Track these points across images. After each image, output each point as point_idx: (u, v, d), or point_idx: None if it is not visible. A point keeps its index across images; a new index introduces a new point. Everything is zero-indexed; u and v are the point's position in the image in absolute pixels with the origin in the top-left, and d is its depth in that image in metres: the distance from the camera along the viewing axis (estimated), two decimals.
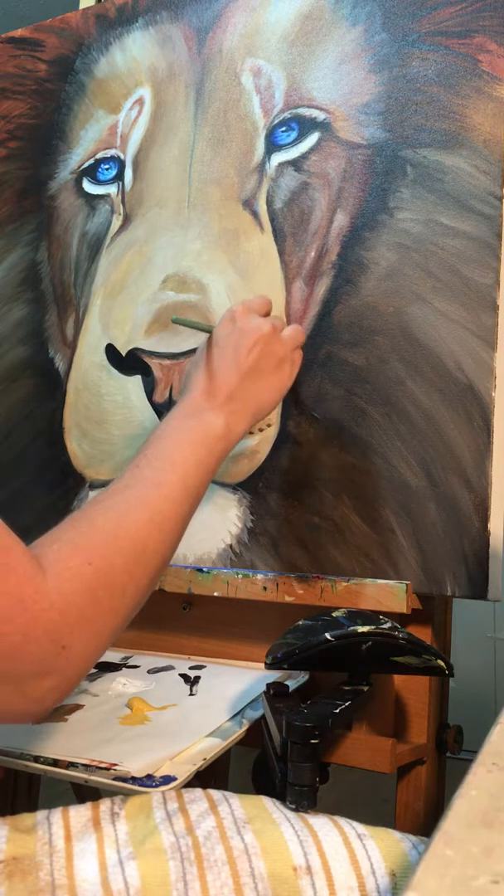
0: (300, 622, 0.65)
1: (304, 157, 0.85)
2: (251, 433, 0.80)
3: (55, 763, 0.58)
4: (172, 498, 0.56)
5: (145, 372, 0.88)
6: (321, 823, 0.46)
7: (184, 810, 0.46)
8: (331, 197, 0.82)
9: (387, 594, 0.68)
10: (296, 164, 0.85)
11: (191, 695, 0.71)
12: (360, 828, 0.46)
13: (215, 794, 0.48)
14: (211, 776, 0.73)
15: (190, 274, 0.88)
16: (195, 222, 0.90)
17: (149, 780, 0.54)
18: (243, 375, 0.66)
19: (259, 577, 0.75)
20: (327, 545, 0.75)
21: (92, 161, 1.00)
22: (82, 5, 1.14)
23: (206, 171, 0.90)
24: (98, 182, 0.99)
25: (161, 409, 0.86)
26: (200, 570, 0.78)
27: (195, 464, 0.59)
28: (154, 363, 0.88)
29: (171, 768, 0.55)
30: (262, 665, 0.64)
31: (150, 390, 0.88)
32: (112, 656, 0.83)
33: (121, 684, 0.74)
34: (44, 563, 0.47)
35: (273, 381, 0.68)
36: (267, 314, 0.72)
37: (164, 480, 0.57)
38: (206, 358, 0.67)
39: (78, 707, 0.69)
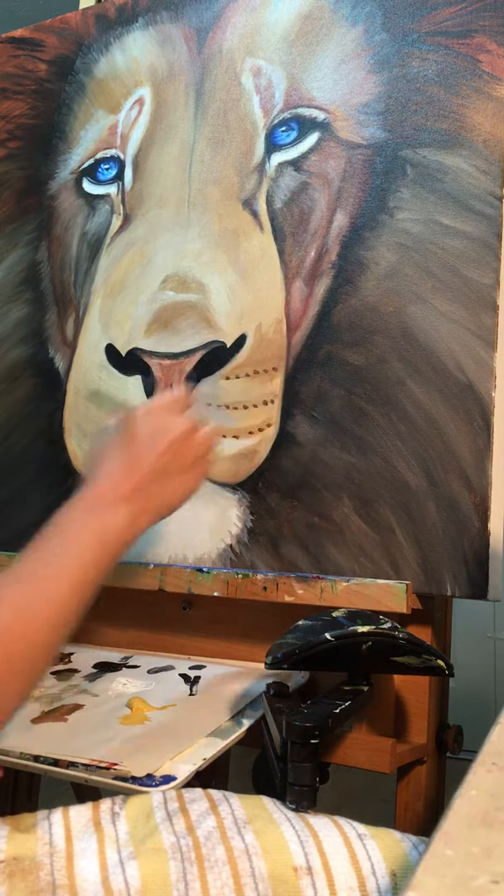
0: (300, 622, 0.65)
1: (303, 156, 0.85)
2: (251, 433, 0.80)
3: (55, 763, 0.58)
4: (60, 599, 0.54)
5: (145, 372, 0.88)
6: (322, 823, 0.46)
7: (184, 810, 0.46)
8: (331, 197, 0.82)
9: (387, 594, 0.68)
10: (296, 164, 0.85)
11: (191, 695, 0.71)
12: (361, 828, 0.46)
13: (216, 794, 0.48)
14: (211, 776, 0.73)
15: (190, 274, 0.88)
16: (195, 222, 0.90)
17: (149, 780, 0.54)
18: (153, 474, 0.62)
19: (259, 577, 0.75)
20: (327, 545, 0.75)
21: (92, 161, 1.00)
22: (82, 5, 1.14)
23: (206, 171, 0.90)
24: (98, 182, 0.99)
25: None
26: (200, 570, 0.78)
27: (91, 560, 0.57)
28: (154, 363, 0.88)
29: (171, 768, 0.55)
30: (262, 665, 0.64)
31: (149, 390, 0.88)
32: (112, 656, 0.83)
33: (121, 684, 0.74)
34: None
35: (181, 483, 0.65)
36: (184, 411, 0.69)
37: (57, 575, 0.54)
38: (116, 448, 0.64)
39: (78, 707, 0.69)
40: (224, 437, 0.82)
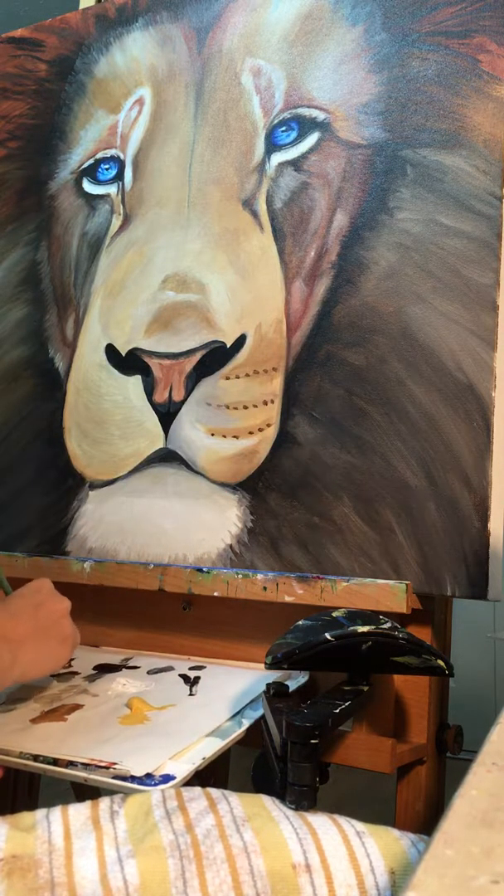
0: (300, 622, 0.65)
1: (303, 156, 0.85)
2: (250, 433, 0.80)
3: (55, 762, 0.58)
4: None
5: (145, 372, 0.88)
6: (320, 821, 0.46)
7: (183, 808, 0.46)
8: (330, 197, 0.82)
9: (387, 594, 0.68)
10: (296, 163, 0.85)
11: (190, 695, 0.71)
12: (359, 826, 0.46)
13: (214, 792, 0.48)
14: (210, 776, 0.73)
15: (190, 274, 0.88)
16: (195, 222, 0.90)
17: (148, 779, 0.54)
18: (37, 631, 0.67)
19: (259, 577, 0.75)
20: (327, 545, 0.75)
21: (92, 161, 1.00)
22: (82, 5, 1.14)
23: (206, 171, 0.90)
24: (98, 182, 0.99)
25: (161, 409, 0.86)
26: (200, 570, 0.78)
27: None
28: (154, 363, 0.88)
29: (171, 767, 0.55)
30: (262, 665, 0.64)
31: (149, 390, 0.87)
32: (112, 657, 0.83)
33: (120, 684, 0.74)
34: None
35: (55, 651, 0.70)
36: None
37: None
38: (7, 602, 0.70)
39: (77, 707, 0.69)
40: (224, 436, 0.82)
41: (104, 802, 0.48)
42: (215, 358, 0.84)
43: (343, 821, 0.46)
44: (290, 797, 0.49)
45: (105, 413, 0.90)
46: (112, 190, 0.97)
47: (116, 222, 0.96)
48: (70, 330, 0.96)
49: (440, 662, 0.63)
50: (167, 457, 0.85)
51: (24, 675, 0.67)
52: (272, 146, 0.87)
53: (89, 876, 0.42)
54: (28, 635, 0.67)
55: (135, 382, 0.89)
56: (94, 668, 0.79)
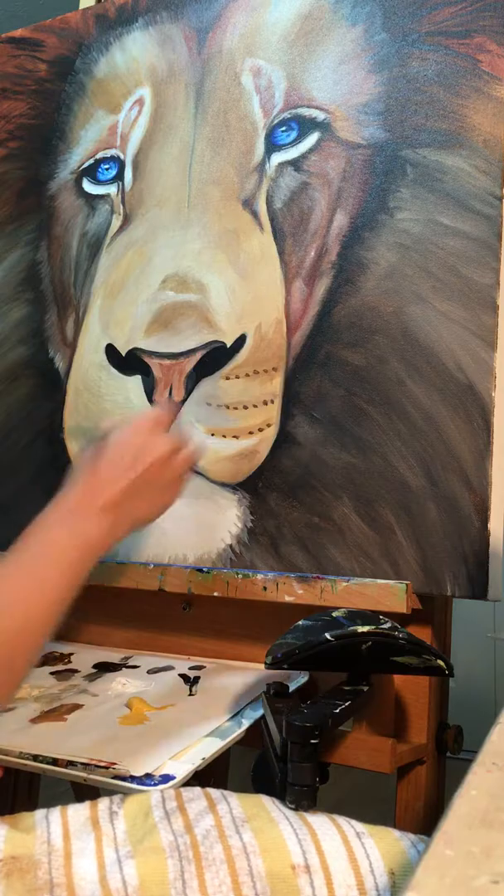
0: (300, 622, 0.65)
1: (303, 156, 0.85)
2: (250, 433, 0.80)
3: (54, 762, 0.58)
4: (41, 602, 0.55)
5: (145, 372, 0.88)
6: (320, 822, 0.46)
7: (182, 809, 0.46)
8: (330, 197, 0.82)
9: (387, 594, 0.68)
10: (295, 163, 0.85)
11: (190, 695, 0.71)
12: (359, 826, 0.46)
13: (214, 792, 0.48)
14: (210, 776, 0.73)
15: (190, 274, 0.88)
16: (195, 222, 0.90)
17: (147, 779, 0.54)
18: (132, 490, 0.64)
19: (259, 577, 0.75)
20: (327, 545, 0.75)
21: (92, 161, 1.00)
22: (82, 5, 1.14)
23: (205, 171, 0.90)
24: (98, 182, 0.99)
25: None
26: (200, 570, 0.78)
27: (68, 568, 0.58)
28: (154, 363, 0.88)
29: (170, 767, 0.55)
30: (262, 665, 0.64)
31: (149, 390, 0.87)
32: (112, 656, 0.83)
33: (120, 684, 0.74)
34: None
35: (158, 500, 0.68)
36: (168, 427, 0.71)
37: (36, 580, 0.56)
38: (100, 459, 0.66)
39: (77, 707, 0.69)
40: (224, 437, 0.82)
41: (103, 803, 0.48)
42: (215, 358, 0.84)
43: (343, 821, 0.46)
44: (290, 797, 0.49)
45: (105, 413, 0.90)
46: (112, 190, 0.97)
47: (116, 222, 0.96)
48: (70, 330, 0.96)
49: (440, 662, 0.63)
50: None
51: (127, 533, 0.65)
52: (272, 146, 0.87)
53: (88, 877, 0.42)
54: (126, 495, 0.64)
55: (135, 382, 0.89)
56: (94, 667, 0.79)
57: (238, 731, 0.62)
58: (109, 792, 0.52)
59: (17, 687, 0.54)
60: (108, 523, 0.62)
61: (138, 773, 0.54)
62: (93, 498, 0.63)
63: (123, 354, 0.90)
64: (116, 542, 0.64)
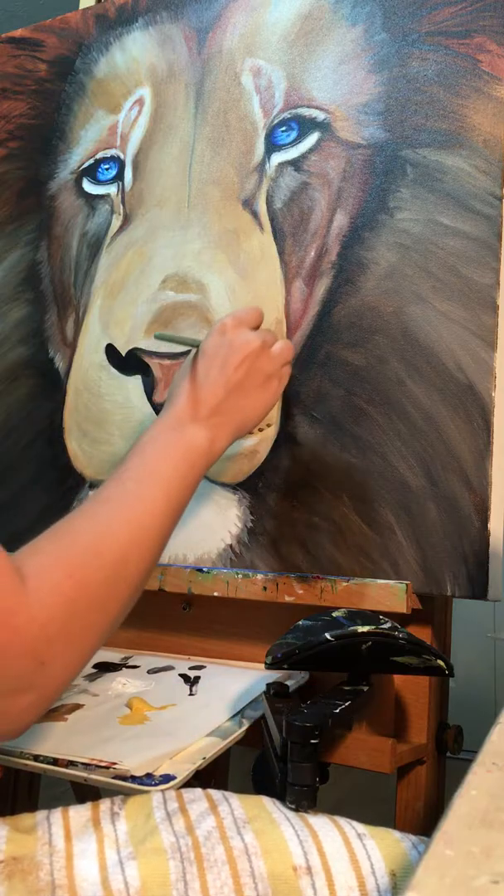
0: (300, 622, 0.65)
1: (303, 156, 0.85)
2: (250, 433, 0.80)
3: (55, 762, 0.58)
4: (154, 512, 0.55)
5: (145, 372, 0.88)
6: (321, 823, 0.46)
7: (184, 810, 0.46)
8: (331, 197, 0.82)
9: (387, 594, 0.68)
10: (295, 163, 0.85)
11: (191, 695, 0.71)
12: (360, 827, 0.46)
13: (215, 793, 0.48)
14: (210, 776, 0.73)
15: (190, 274, 0.88)
16: (195, 222, 0.90)
17: (148, 779, 0.54)
18: (230, 390, 0.64)
19: (259, 577, 0.75)
20: (327, 545, 0.75)
21: (92, 161, 1.00)
22: (82, 5, 1.14)
23: (205, 171, 0.90)
24: (98, 182, 0.99)
25: (161, 410, 0.86)
26: (200, 570, 0.78)
27: (178, 478, 0.58)
28: (154, 363, 0.88)
29: (171, 767, 0.55)
30: (262, 665, 0.64)
31: (150, 390, 0.87)
32: (112, 656, 0.83)
33: (121, 684, 0.74)
34: (25, 574, 0.46)
35: (259, 398, 0.67)
36: (257, 326, 0.71)
37: (146, 494, 0.56)
38: (193, 369, 0.66)
39: (78, 707, 0.69)
40: None
41: (105, 804, 0.48)
42: None
43: (344, 822, 0.46)
44: (290, 797, 0.49)
45: (105, 413, 0.90)
46: (112, 190, 0.97)
47: (116, 222, 0.96)
48: (70, 330, 0.96)
49: (440, 662, 0.63)
50: None
51: (234, 437, 0.65)
52: (272, 146, 0.87)
53: (90, 878, 0.42)
54: (222, 399, 0.63)
55: (135, 382, 0.89)
56: (94, 667, 0.79)
57: (238, 731, 0.62)
58: (110, 792, 0.52)
59: (135, 598, 0.54)
60: (210, 430, 0.62)
61: (139, 773, 0.54)
62: (189, 408, 0.63)
63: (123, 354, 0.90)
64: (223, 449, 0.64)
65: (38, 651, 0.44)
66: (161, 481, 0.57)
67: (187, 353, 0.86)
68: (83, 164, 1.00)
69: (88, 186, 0.99)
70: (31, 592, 0.45)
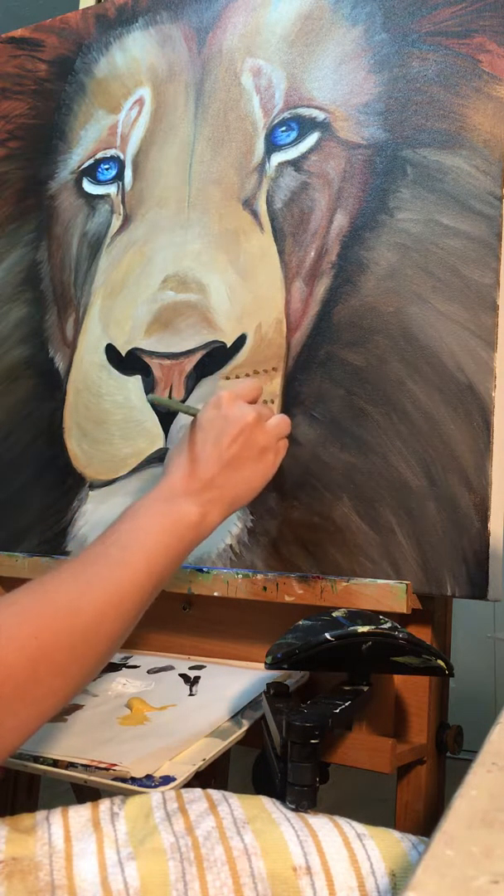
0: (300, 622, 0.65)
1: (303, 157, 0.85)
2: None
3: (55, 763, 0.58)
4: (134, 581, 0.54)
5: (145, 372, 0.88)
6: (321, 823, 0.46)
7: (183, 810, 0.46)
8: (331, 197, 0.82)
9: (387, 594, 0.68)
10: (296, 164, 0.85)
11: (190, 695, 0.71)
12: (360, 828, 0.46)
13: (215, 794, 0.48)
14: (210, 776, 0.73)
15: (190, 274, 0.88)
16: (195, 222, 0.90)
17: (148, 781, 0.54)
18: (224, 465, 0.64)
19: (259, 577, 0.75)
20: (327, 545, 0.75)
21: (92, 161, 1.00)
22: (82, 5, 1.14)
23: (206, 171, 0.90)
24: (98, 182, 0.99)
25: (161, 410, 0.86)
26: (200, 570, 0.78)
27: (163, 550, 0.58)
28: (154, 363, 0.88)
29: (171, 768, 0.55)
30: (262, 665, 0.64)
31: (149, 390, 0.87)
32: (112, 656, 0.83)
33: (120, 684, 0.74)
34: None
35: (254, 471, 0.66)
36: (254, 400, 0.70)
37: (129, 562, 0.55)
38: (188, 442, 0.66)
39: (77, 707, 0.69)
40: None
41: (104, 804, 0.48)
42: (215, 358, 0.84)
43: (344, 822, 0.46)
44: (290, 797, 0.49)
45: (105, 413, 0.90)
46: (112, 190, 0.97)
47: (116, 222, 0.96)
48: (70, 330, 0.96)
49: (440, 662, 0.63)
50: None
51: (227, 513, 0.64)
52: (272, 146, 0.87)
53: (90, 878, 0.42)
54: (216, 474, 0.63)
55: (135, 382, 0.89)
56: None
57: (238, 731, 0.62)
58: (110, 792, 0.52)
59: (101, 666, 0.54)
60: (202, 505, 0.61)
61: (139, 774, 0.54)
62: (183, 481, 0.62)
63: (123, 354, 0.90)
64: (214, 525, 0.63)
65: None
66: (145, 551, 0.57)
67: (188, 353, 0.86)
68: (83, 164, 1.00)
69: (88, 186, 0.99)
70: None
